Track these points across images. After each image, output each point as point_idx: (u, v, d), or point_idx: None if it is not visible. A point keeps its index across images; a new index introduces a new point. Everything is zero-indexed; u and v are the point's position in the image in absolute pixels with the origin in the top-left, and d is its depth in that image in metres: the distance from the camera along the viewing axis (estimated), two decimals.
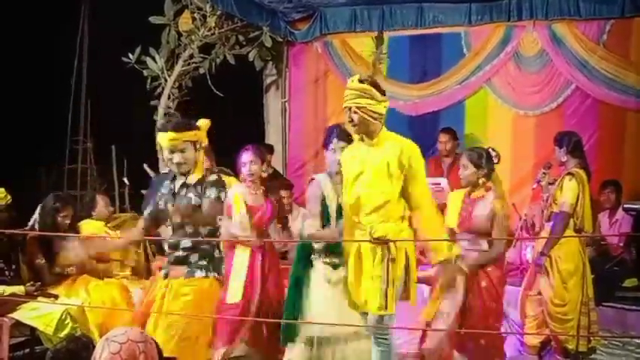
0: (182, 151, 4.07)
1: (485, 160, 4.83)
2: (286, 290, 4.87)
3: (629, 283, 5.89)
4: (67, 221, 5.52)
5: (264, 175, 5.30)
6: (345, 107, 4.10)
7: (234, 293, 4.96)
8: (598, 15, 6.88)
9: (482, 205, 4.79)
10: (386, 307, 3.97)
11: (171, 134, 4.07)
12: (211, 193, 4.12)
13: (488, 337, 4.77)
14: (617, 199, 6.54)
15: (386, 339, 4.12)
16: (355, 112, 4.04)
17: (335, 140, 4.68)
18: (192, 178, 4.14)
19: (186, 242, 4.12)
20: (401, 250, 4.03)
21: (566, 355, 5.23)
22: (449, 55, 7.54)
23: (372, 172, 4.08)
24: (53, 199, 5.56)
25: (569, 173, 5.20)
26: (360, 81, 4.08)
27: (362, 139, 4.16)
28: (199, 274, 4.09)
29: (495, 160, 4.99)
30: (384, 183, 4.05)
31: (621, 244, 6.25)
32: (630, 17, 6.78)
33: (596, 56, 6.90)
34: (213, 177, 4.19)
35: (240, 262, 5.04)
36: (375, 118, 4.06)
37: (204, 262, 4.11)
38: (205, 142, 4.21)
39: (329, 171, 4.72)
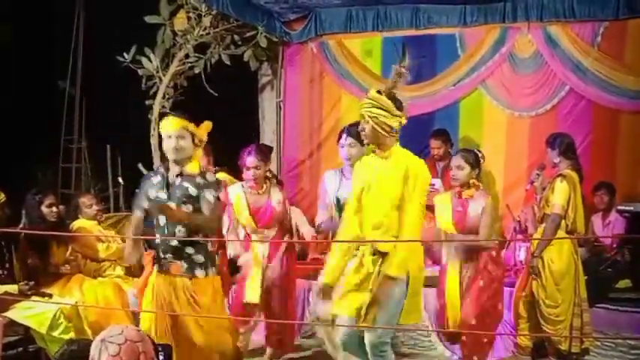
0: (182, 137, 4.25)
1: (476, 161, 4.96)
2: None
3: (622, 284, 5.89)
4: (54, 209, 5.51)
5: (269, 175, 5.38)
6: (360, 115, 4.12)
7: (253, 293, 5.10)
8: (592, 17, 6.86)
9: (474, 204, 4.87)
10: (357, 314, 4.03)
11: (178, 119, 4.32)
12: (210, 193, 4.22)
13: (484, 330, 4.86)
14: (610, 201, 6.55)
15: (382, 355, 4.09)
16: (367, 122, 4.05)
17: (344, 136, 5.07)
18: (188, 169, 4.27)
19: (181, 232, 4.22)
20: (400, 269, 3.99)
21: (559, 356, 5.25)
22: (443, 56, 7.51)
23: (379, 186, 4.08)
24: (32, 193, 5.53)
25: (560, 175, 5.21)
26: (378, 92, 4.08)
27: (374, 151, 4.17)
28: (200, 272, 4.21)
29: (482, 161, 5.15)
30: (388, 197, 4.03)
31: (614, 246, 6.26)
32: (624, 19, 6.76)
33: (590, 58, 6.88)
34: (211, 177, 4.33)
35: (255, 260, 5.17)
36: (387, 131, 4.04)
37: (202, 258, 4.22)
38: (204, 139, 4.39)
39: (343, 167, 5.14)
